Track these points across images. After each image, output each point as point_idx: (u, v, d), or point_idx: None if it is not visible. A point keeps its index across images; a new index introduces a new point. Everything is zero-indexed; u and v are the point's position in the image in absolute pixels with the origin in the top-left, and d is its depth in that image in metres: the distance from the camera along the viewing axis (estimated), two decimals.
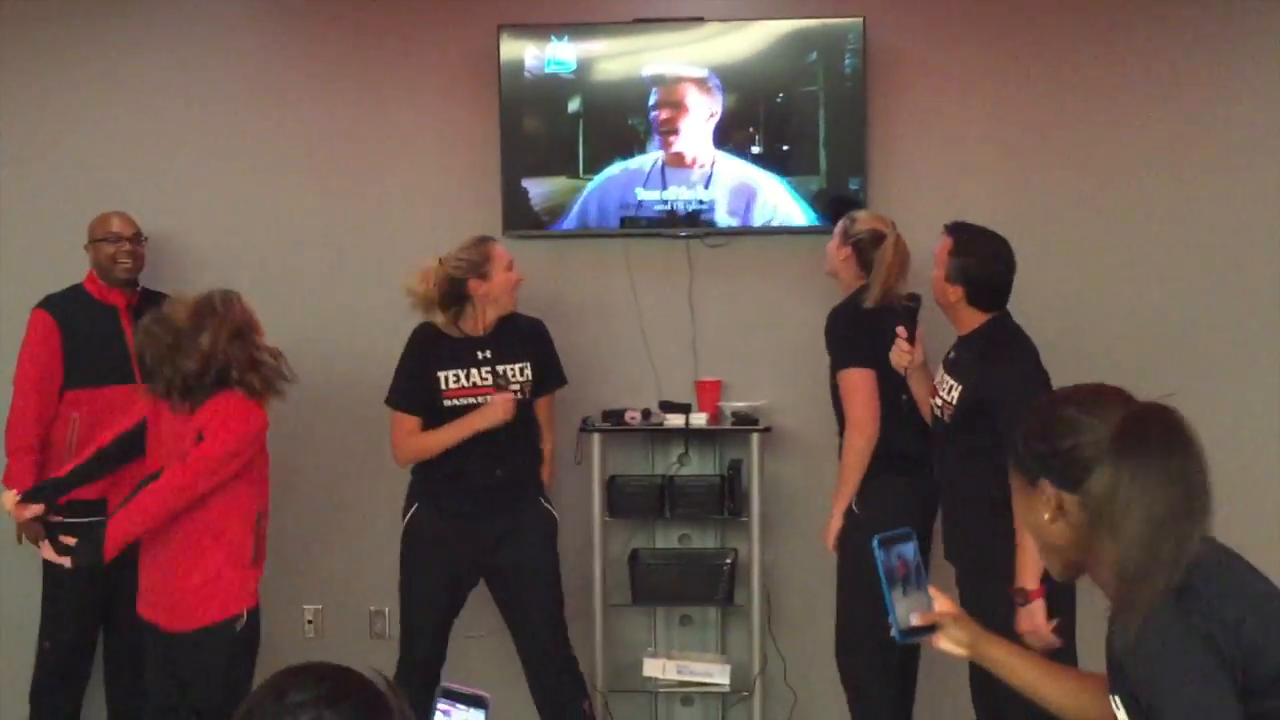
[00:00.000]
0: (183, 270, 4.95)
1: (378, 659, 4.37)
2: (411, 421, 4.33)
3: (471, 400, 4.30)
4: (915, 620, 2.20)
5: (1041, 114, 4.98)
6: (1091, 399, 1.97)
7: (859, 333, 4.15)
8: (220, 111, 5.13)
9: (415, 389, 4.33)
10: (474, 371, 4.30)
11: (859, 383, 4.10)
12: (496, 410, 4.26)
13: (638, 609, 4.94)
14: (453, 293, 4.27)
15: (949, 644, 2.22)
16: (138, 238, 4.68)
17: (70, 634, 4.63)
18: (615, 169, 4.92)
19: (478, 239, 4.35)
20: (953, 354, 3.88)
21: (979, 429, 3.63)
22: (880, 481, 4.12)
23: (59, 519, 3.76)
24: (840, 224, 4.39)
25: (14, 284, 4.99)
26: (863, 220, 4.33)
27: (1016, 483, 2.04)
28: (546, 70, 4.92)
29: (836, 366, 4.19)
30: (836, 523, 4.16)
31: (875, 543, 2.20)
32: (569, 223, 4.95)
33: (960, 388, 3.75)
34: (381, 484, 4.77)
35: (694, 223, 4.92)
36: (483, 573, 4.43)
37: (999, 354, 3.73)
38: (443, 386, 4.30)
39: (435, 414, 4.31)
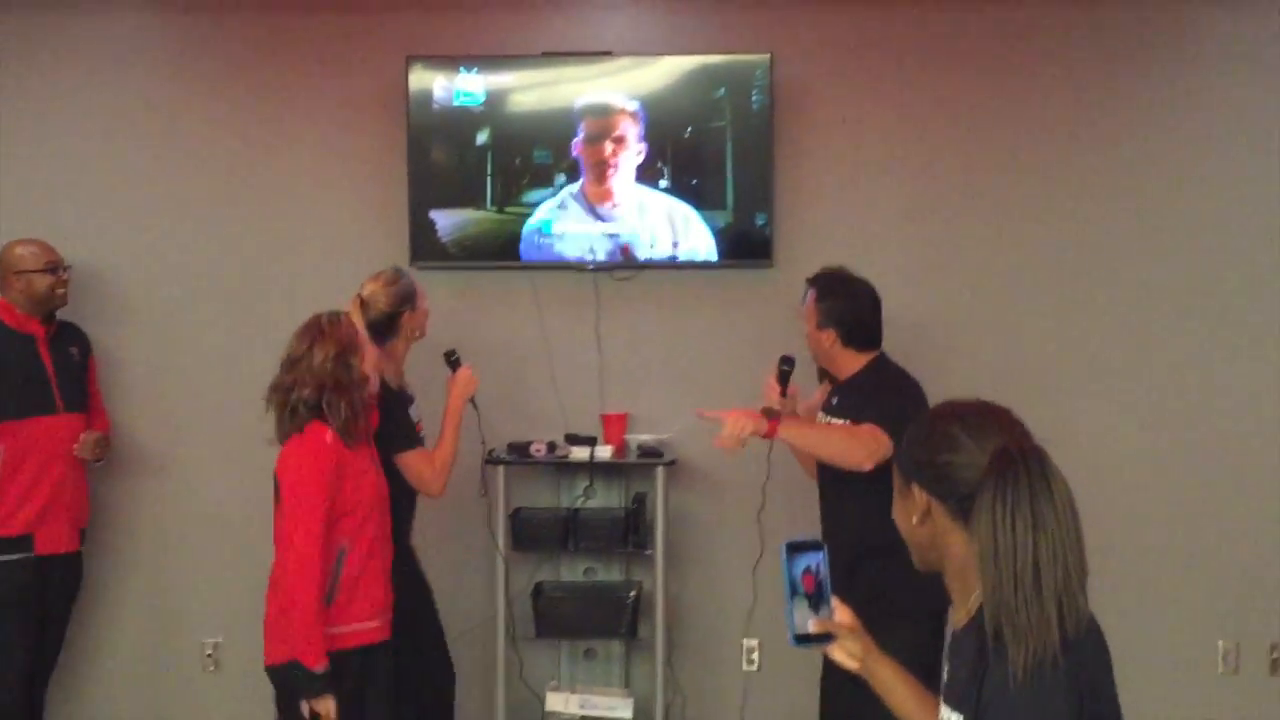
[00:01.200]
0: (86, 300, 4.90)
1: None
2: (427, 452, 4.16)
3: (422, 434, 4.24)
4: (812, 627, 2.21)
5: (947, 151, 5.05)
6: (976, 420, 2.01)
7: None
8: (123, 139, 5.07)
9: (409, 427, 4.14)
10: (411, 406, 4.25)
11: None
12: (469, 386, 4.32)
13: (541, 642, 4.91)
14: (389, 327, 4.15)
15: (841, 655, 2.25)
16: (65, 266, 4.65)
17: (19, 665, 4.51)
18: (527, 202, 4.93)
19: (394, 271, 4.27)
20: (835, 399, 3.88)
21: (876, 470, 3.54)
22: None
23: None
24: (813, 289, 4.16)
25: None
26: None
27: (895, 479, 2.10)
28: (455, 102, 4.91)
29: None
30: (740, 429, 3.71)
31: (783, 549, 2.21)
32: (478, 255, 4.95)
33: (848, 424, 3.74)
34: None
35: (602, 255, 4.93)
36: None
37: (884, 388, 3.76)
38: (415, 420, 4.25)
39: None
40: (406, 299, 4.19)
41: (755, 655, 4.99)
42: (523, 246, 4.94)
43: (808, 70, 5.03)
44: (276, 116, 5.07)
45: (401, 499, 4.00)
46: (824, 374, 4.19)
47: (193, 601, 5.12)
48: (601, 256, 4.94)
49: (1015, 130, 5.05)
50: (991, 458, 1.92)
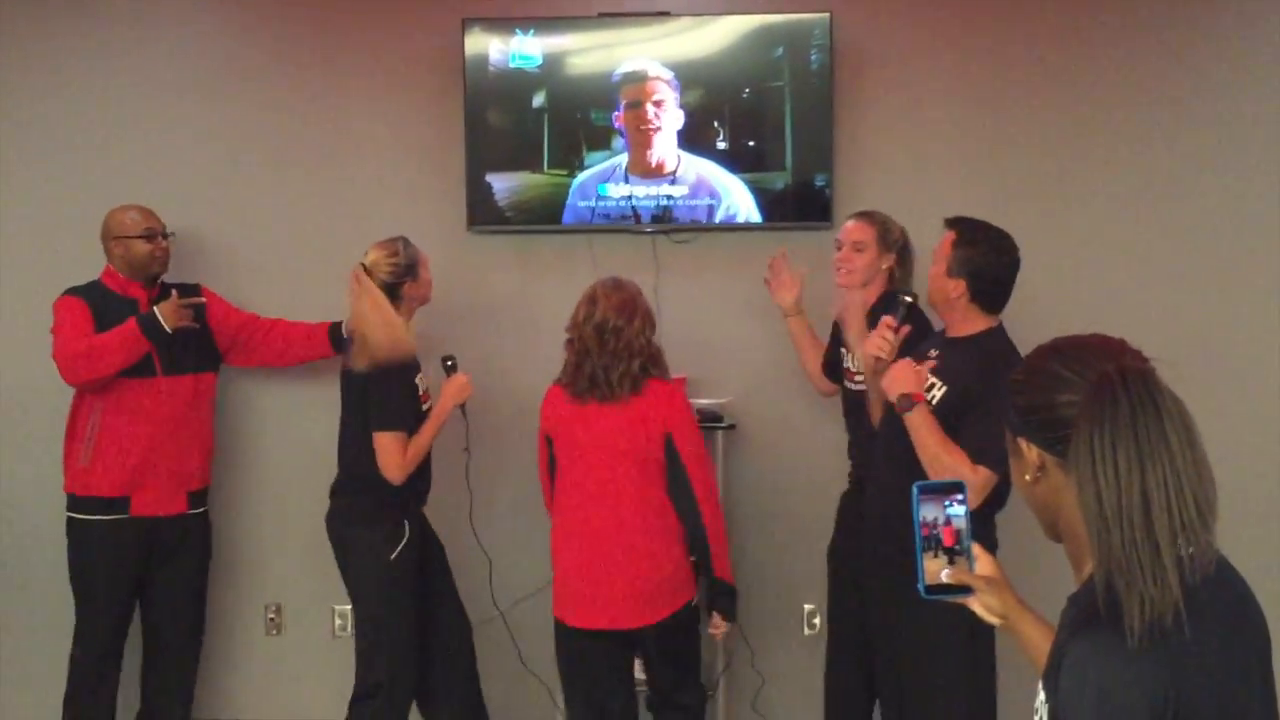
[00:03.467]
0: (194, 272, 4.92)
1: (338, 657, 4.40)
2: (406, 438, 4.17)
3: (429, 404, 4.31)
4: (945, 577, 2.06)
5: (1010, 109, 4.98)
6: (1074, 352, 1.81)
7: None
8: (184, 106, 5.07)
9: (407, 407, 4.19)
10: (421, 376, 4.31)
11: None
12: (460, 394, 4.31)
13: None
14: (391, 296, 4.21)
15: (981, 609, 2.10)
16: (167, 233, 4.64)
17: (101, 641, 4.55)
18: (584, 168, 4.90)
19: (395, 240, 4.28)
20: (935, 353, 3.62)
21: (951, 430, 3.44)
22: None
23: None
24: (873, 231, 4.19)
25: (29, 279, 4.99)
26: (893, 222, 4.25)
27: (1008, 441, 1.91)
28: (511, 65, 4.88)
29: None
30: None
31: (914, 490, 2.07)
32: (535, 219, 4.93)
33: (946, 388, 3.52)
34: None
35: (660, 219, 4.90)
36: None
37: (997, 365, 3.34)
38: (420, 390, 4.27)
39: (418, 423, 4.24)
40: (409, 269, 4.24)
41: (817, 620, 4.96)
42: (580, 209, 4.91)
43: (867, 30, 4.96)
44: (333, 82, 5.06)
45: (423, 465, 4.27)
46: (836, 329, 4.07)
47: (257, 563, 5.16)
48: (659, 220, 4.90)
49: (1079, 91, 4.96)
50: (1090, 389, 1.71)
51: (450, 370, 4.42)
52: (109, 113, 5.07)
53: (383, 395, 4.12)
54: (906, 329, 3.68)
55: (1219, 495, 1.71)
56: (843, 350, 4.30)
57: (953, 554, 2.06)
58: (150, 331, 4.37)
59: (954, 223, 3.66)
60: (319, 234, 5.05)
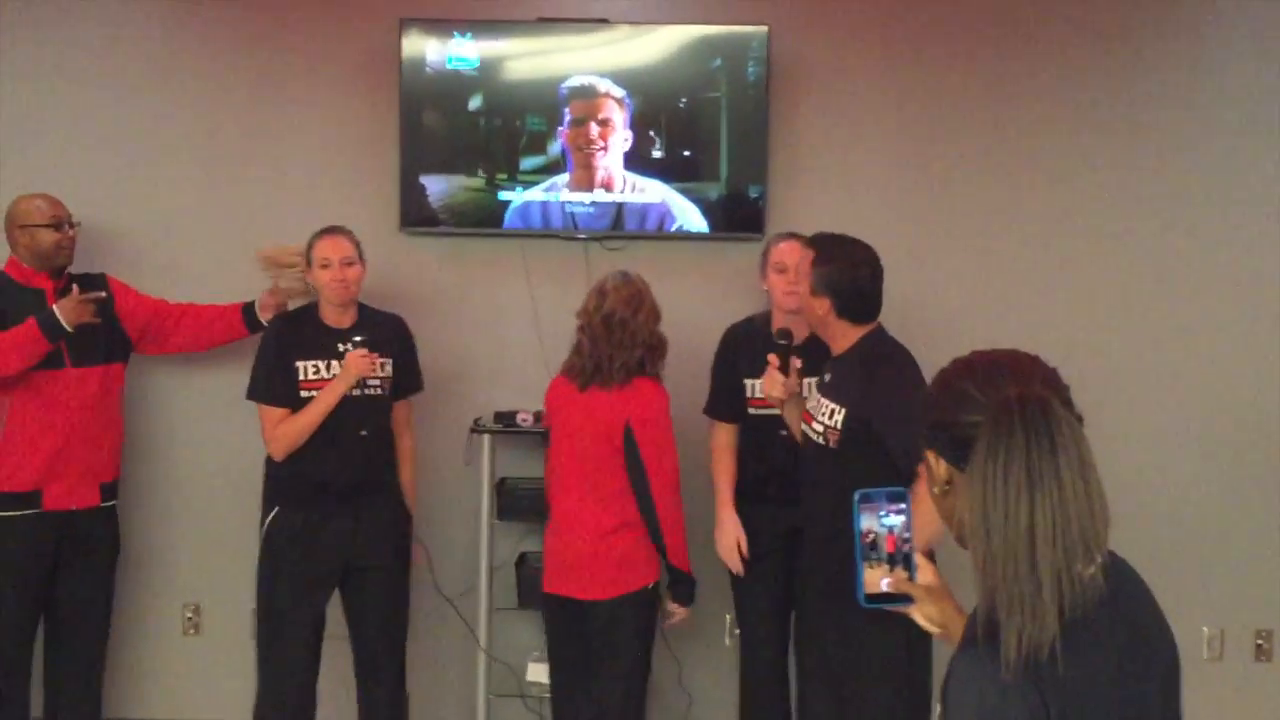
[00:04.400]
0: (99, 262, 4.85)
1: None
2: (279, 413, 4.24)
3: (316, 393, 4.27)
4: (885, 586, 2.03)
5: (945, 124, 5.03)
6: (986, 372, 1.78)
7: None
8: (114, 98, 5.02)
9: (275, 380, 4.26)
10: (335, 364, 4.26)
11: None
12: (352, 366, 4.22)
13: (523, 613, 4.88)
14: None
15: (921, 619, 2.09)
16: (73, 222, 4.54)
17: (13, 640, 4.44)
18: (520, 169, 4.89)
19: (318, 230, 4.37)
20: (828, 376, 3.67)
21: (868, 451, 3.44)
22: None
23: None
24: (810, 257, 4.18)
25: None
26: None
27: (922, 450, 1.88)
28: (449, 67, 4.86)
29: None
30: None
31: (855, 498, 2.03)
32: (468, 222, 4.92)
33: (843, 410, 3.52)
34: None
35: (593, 226, 4.90)
36: (339, 575, 4.34)
37: (879, 369, 3.51)
38: (300, 376, 4.25)
39: (296, 406, 4.24)
40: (305, 259, 4.35)
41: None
42: (512, 214, 4.90)
43: (804, 43, 4.99)
44: (268, 79, 5.03)
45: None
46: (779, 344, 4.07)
47: (176, 562, 5.10)
48: (592, 226, 4.90)
49: (1013, 105, 5.03)
50: (991, 413, 1.69)
51: (353, 346, 4.29)
52: (25, 103, 5.01)
53: (255, 362, 4.35)
54: (797, 362, 3.80)
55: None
56: (745, 381, 4.33)
57: (893, 561, 2.04)
58: (50, 331, 4.29)
59: (811, 241, 3.70)
60: (249, 231, 4.97)
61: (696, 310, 4.80)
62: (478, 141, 4.91)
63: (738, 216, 4.90)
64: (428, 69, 4.86)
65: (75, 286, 4.40)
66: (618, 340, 4.07)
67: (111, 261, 4.84)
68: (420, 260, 4.98)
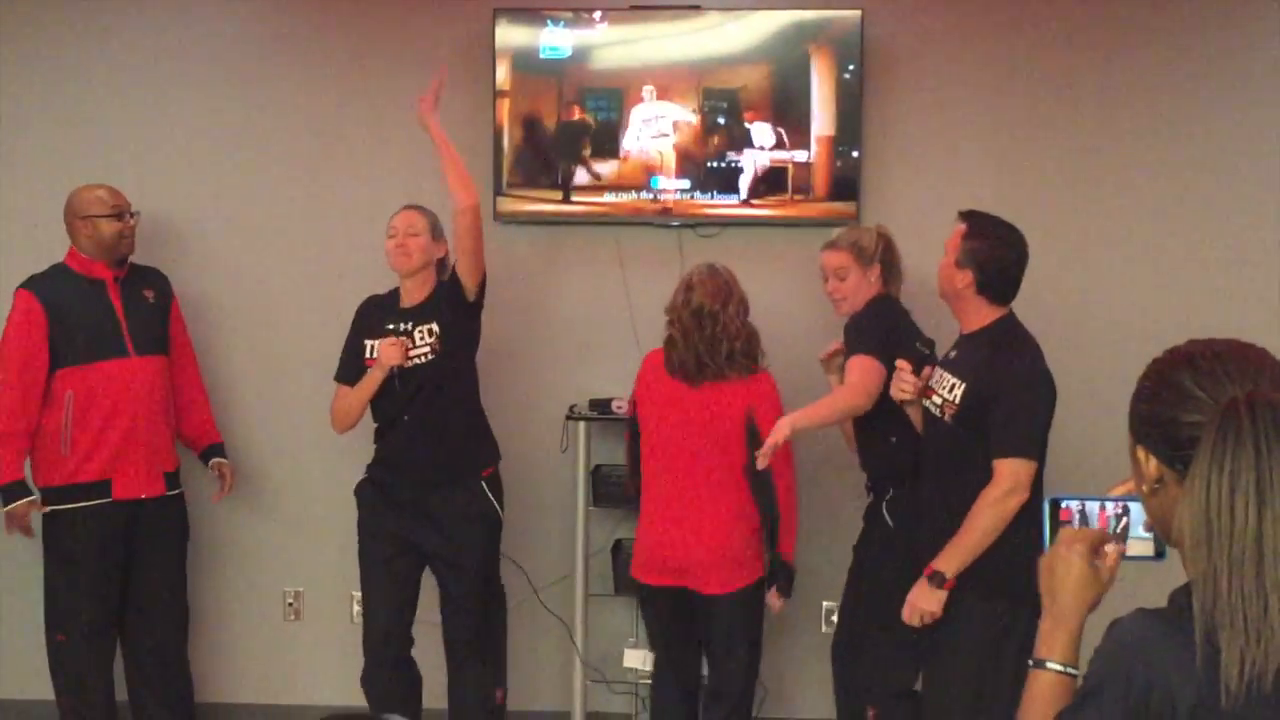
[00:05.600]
0: (166, 251, 4.95)
1: (356, 642, 4.41)
2: (341, 390, 4.43)
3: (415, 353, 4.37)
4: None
5: (1041, 107, 4.96)
6: (1209, 365, 1.65)
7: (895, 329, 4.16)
8: (208, 91, 5.09)
9: (349, 360, 4.43)
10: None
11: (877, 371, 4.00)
12: (383, 356, 4.29)
13: (619, 599, 4.90)
14: None
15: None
16: (133, 212, 4.61)
17: (87, 618, 4.50)
18: (611, 158, 4.91)
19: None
20: (954, 352, 3.75)
21: (980, 428, 3.53)
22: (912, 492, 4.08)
23: None
24: (847, 254, 4.24)
25: None
26: (865, 236, 4.27)
27: (1129, 445, 1.76)
28: (541, 56, 4.88)
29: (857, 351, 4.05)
30: (780, 437, 3.84)
31: (1045, 505, 1.92)
32: (561, 210, 4.94)
33: (964, 385, 3.59)
34: None
35: (684, 212, 4.90)
36: (420, 555, 4.43)
37: (1006, 352, 3.60)
38: (366, 354, 4.38)
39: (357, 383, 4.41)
40: None
41: (835, 617, 4.94)
42: (604, 201, 4.92)
43: (898, 26, 4.95)
44: (363, 70, 5.06)
45: None
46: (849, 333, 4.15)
47: (277, 550, 5.17)
48: (685, 213, 4.91)
49: (1121, 82, 4.95)
50: (1219, 416, 1.58)
51: (385, 333, 4.36)
52: (113, 100, 5.09)
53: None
54: (928, 370, 3.81)
55: None
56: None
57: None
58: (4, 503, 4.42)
59: (965, 216, 3.76)
60: (342, 223, 5.06)
61: (791, 296, 4.78)
62: (570, 131, 4.92)
63: (832, 199, 4.87)
64: (521, 58, 4.88)
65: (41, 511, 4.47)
66: (709, 335, 4.11)
67: (210, 258, 4.92)
68: (514, 249, 5.00)
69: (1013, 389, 3.50)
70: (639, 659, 4.74)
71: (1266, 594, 1.52)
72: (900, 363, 3.82)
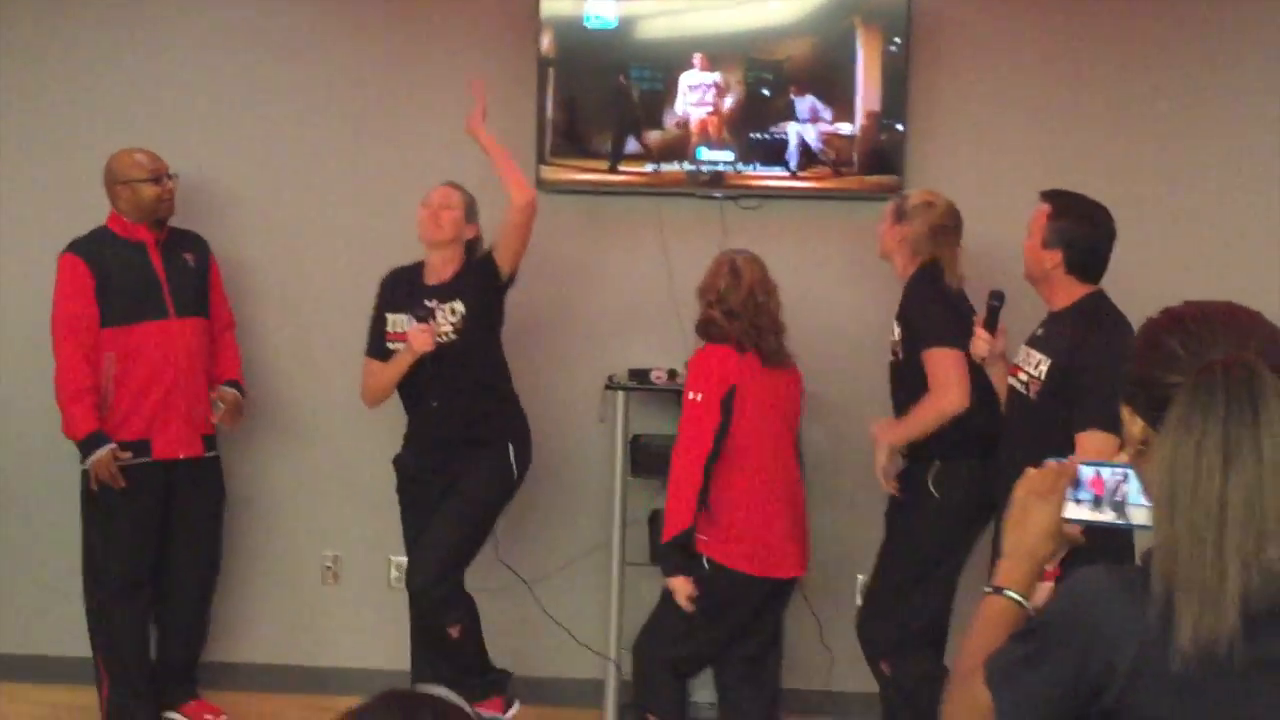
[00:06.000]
0: (207, 214, 4.98)
1: (396, 608, 4.45)
2: (370, 364, 4.49)
3: (401, 345, 4.38)
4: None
5: (1092, 87, 4.92)
6: (1197, 327, 1.61)
7: (948, 309, 4.12)
8: (247, 55, 5.11)
9: (372, 332, 4.49)
10: (408, 319, 4.38)
11: (955, 360, 4.01)
12: (413, 342, 4.31)
13: (656, 570, 4.90)
14: None
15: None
16: (171, 174, 4.65)
17: (121, 574, 4.57)
18: (656, 128, 4.90)
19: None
20: (1041, 330, 3.71)
21: (1066, 405, 3.49)
22: (960, 464, 4.08)
23: None
24: (891, 205, 4.30)
25: (32, 226, 5.05)
26: (916, 196, 4.27)
27: (1121, 406, 1.72)
28: (586, 25, 4.87)
29: (926, 344, 4.06)
30: (883, 458, 4.17)
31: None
32: (604, 180, 4.94)
33: (1049, 361, 3.56)
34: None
35: (727, 184, 4.89)
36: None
37: (1095, 327, 3.53)
38: (387, 329, 4.42)
39: (384, 357, 4.45)
40: None
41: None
42: (645, 172, 4.93)
43: (945, 2, 4.91)
44: (407, 37, 5.07)
45: None
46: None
47: (315, 513, 5.21)
48: (727, 185, 4.90)
49: (1169, 68, 4.90)
50: (1192, 378, 1.54)
51: (418, 318, 4.37)
52: (152, 63, 5.12)
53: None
54: (1003, 327, 3.88)
55: None
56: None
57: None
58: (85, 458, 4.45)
59: (1049, 196, 3.72)
60: (385, 189, 5.05)
61: (833, 269, 4.76)
62: (615, 101, 4.91)
63: (876, 174, 4.86)
64: (566, 28, 4.87)
65: (113, 453, 4.46)
66: (764, 323, 4.17)
67: (252, 221, 4.95)
68: (557, 218, 5.00)
69: (1099, 363, 3.41)
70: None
71: (1225, 563, 1.49)
72: (975, 319, 3.95)
